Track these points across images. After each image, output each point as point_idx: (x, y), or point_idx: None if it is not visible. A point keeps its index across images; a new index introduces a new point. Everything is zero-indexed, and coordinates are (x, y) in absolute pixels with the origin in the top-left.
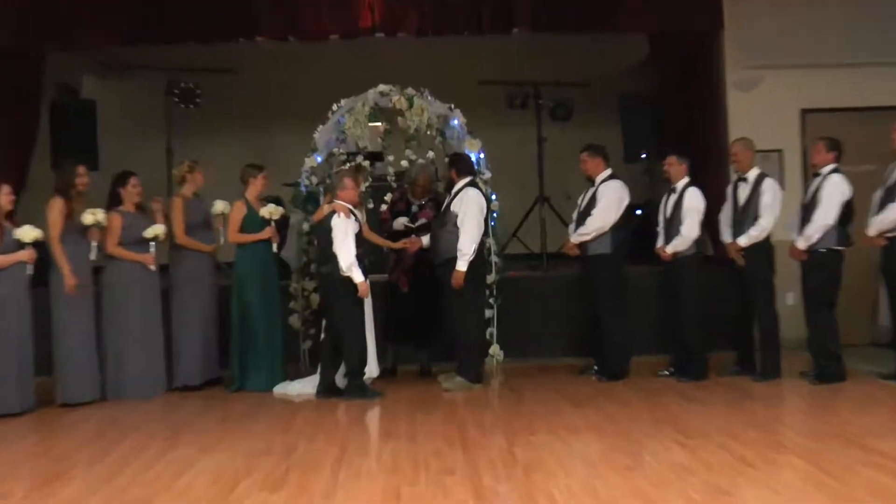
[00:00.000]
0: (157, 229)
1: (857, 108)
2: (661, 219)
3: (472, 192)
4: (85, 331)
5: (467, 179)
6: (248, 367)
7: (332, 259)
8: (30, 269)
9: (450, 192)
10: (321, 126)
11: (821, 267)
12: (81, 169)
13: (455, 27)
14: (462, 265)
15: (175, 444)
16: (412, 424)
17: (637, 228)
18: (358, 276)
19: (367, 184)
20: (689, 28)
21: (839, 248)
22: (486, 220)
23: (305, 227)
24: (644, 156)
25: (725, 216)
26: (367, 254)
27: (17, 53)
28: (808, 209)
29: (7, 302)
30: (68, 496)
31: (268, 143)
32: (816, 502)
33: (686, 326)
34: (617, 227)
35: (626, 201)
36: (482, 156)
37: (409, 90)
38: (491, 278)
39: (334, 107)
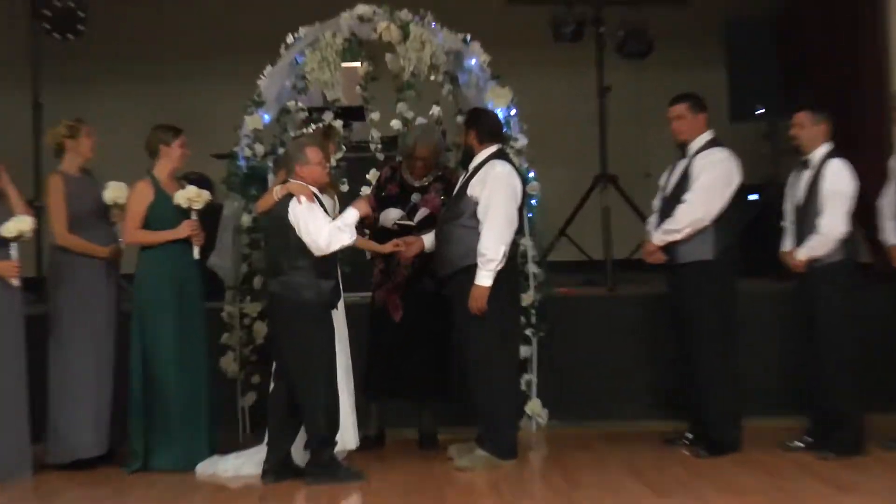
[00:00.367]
0: (22, 224)
1: None
2: (788, 208)
3: (501, 168)
4: None
5: (492, 149)
6: (156, 435)
7: (288, 269)
8: None
9: (466, 168)
10: (269, 68)
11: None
12: None
13: None
14: (485, 278)
15: None
16: None
17: (752, 222)
18: (342, 239)
19: (339, 155)
20: None
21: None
22: (520, 211)
23: (246, 220)
24: (761, 112)
25: (889, 204)
26: (340, 263)
27: None
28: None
29: None
30: None
31: (188, 95)
32: None
33: (830, 373)
34: (723, 221)
35: (736, 181)
36: (514, 113)
37: (404, 13)
38: (529, 298)
39: (289, 38)
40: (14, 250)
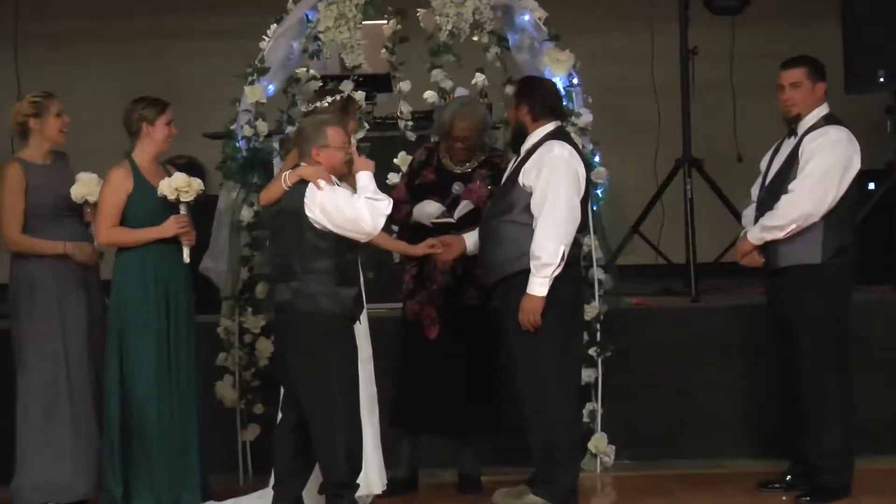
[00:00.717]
0: None
1: None
2: None
3: (559, 151)
4: None
5: (549, 127)
6: (137, 475)
7: (301, 274)
8: None
9: (516, 151)
10: (274, 27)
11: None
12: None
13: None
14: (539, 286)
15: None
16: None
17: (874, 217)
18: (381, 210)
19: (361, 134)
20: None
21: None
22: (583, 204)
23: (247, 214)
24: (883, 80)
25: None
26: (363, 267)
27: None
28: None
29: None
30: None
31: (175, 59)
32: None
33: None
34: (836, 217)
35: (854, 169)
36: (576, 82)
37: None
38: (593, 310)
39: None
40: None
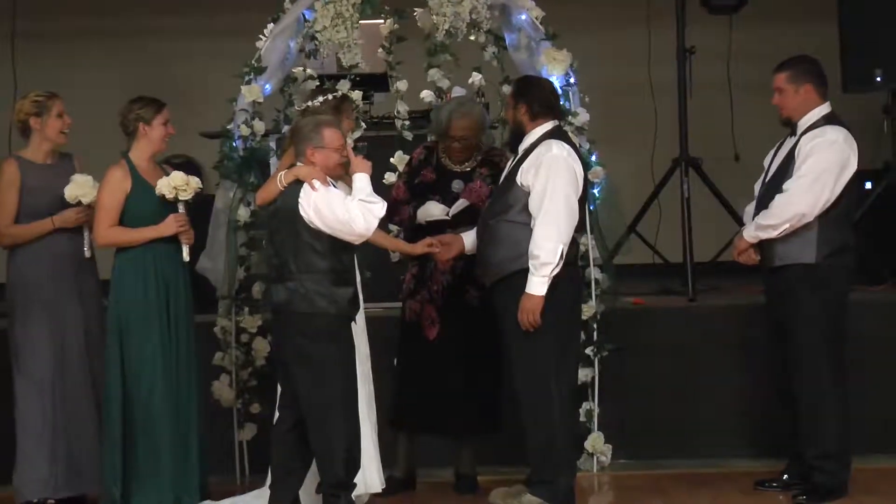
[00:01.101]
0: None
1: None
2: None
3: (557, 150)
4: None
5: (547, 126)
6: (135, 476)
7: (297, 274)
8: None
9: (514, 150)
10: (270, 27)
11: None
12: None
13: None
14: (538, 285)
15: None
16: None
17: (871, 216)
18: (374, 212)
19: (358, 134)
20: None
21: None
22: (581, 203)
23: (243, 214)
24: (880, 79)
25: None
26: (360, 267)
27: None
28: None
29: None
30: None
31: (171, 58)
32: None
33: None
34: (832, 217)
35: (850, 169)
36: (573, 81)
37: None
38: (590, 310)
39: None
40: None
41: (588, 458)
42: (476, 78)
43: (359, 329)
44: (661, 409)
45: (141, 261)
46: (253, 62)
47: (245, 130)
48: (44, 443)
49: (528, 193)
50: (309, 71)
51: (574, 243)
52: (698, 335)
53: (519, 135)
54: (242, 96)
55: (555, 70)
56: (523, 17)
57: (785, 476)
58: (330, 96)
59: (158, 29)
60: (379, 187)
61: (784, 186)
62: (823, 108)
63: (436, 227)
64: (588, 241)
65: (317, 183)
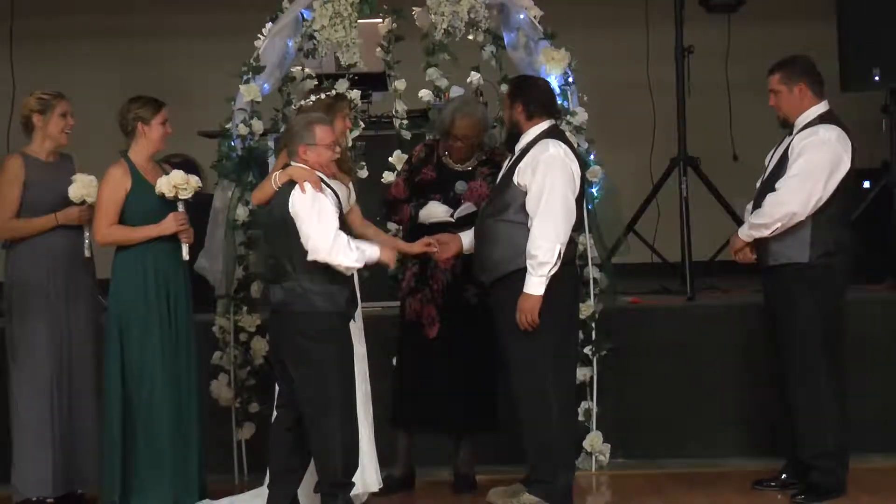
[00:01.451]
0: None
1: None
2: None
3: (554, 149)
4: None
5: (543, 125)
6: (135, 475)
7: (293, 273)
8: None
9: (511, 150)
10: (269, 26)
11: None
12: None
13: None
14: (536, 285)
15: None
16: None
17: (870, 216)
18: (348, 257)
19: (356, 133)
20: None
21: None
22: (579, 202)
23: (242, 213)
24: (878, 79)
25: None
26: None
27: None
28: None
29: None
30: None
31: (170, 58)
32: None
33: None
34: (825, 216)
35: (843, 169)
36: (572, 81)
37: None
38: (588, 309)
39: None
40: None
41: (586, 457)
42: (474, 77)
43: (356, 328)
44: (659, 409)
45: (141, 260)
46: (251, 61)
47: (243, 130)
48: (43, 441)
49: (525, 193)
50: (307, 70)
51: (572, 242)
52: (697, 334)
53: (515, 134)
54: (241, 95)
55: (553, 69)
56: (522, 16)
57: (783, 475)
58: (323, 95)
59: (157, 28)
60: (378, 186)
61: (776, 185)
62: (819, 108)
63: (438, 227)
64: (587, 240)
65: (307, 186)
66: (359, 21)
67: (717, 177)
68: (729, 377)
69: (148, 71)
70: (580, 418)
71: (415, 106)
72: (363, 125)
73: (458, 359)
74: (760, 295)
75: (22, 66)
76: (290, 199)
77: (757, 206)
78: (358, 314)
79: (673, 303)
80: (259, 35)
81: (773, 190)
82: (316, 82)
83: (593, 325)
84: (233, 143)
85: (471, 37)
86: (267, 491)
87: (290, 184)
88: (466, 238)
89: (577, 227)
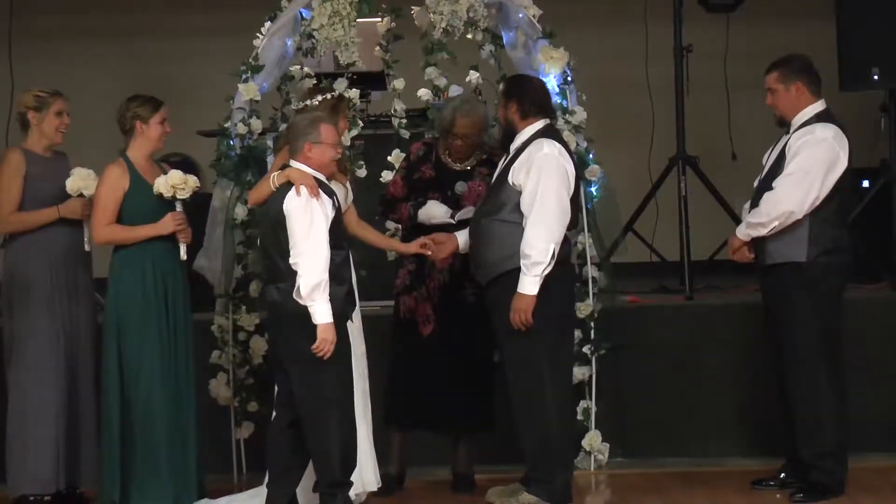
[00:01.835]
0: None
1: None
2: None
3: (548, 149)
4: None
5: (538, 125)
6: (133, 474)
7: (289, 273)
8: None
9: (506, 149)
10: (268, 25)
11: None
12: None
13: None
14: (530, 285)
15: None
16: None
17: (869, 215)
18: (323, 312)
19: (355, 132)
20: None
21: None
22: (574, 202)
23: (240, 212)
24: (877, 78)
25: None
26: (356, 265)
27: None
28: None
29: None
30: None
31: (168, 57)
32: None
33: None
34: (822, 215)
35: (839, 167)
36: (571, 79)
37: None
38: (587, 308)
39: None
40: None
41: (585, 456)
42: (473, 76)
43: (354, 328)
44: (658, 408)
45: (139, 259)
46: (250, 60)
47: (242, 129)
48: (43, 437)
49: (520, 193)
50: (306, 69)
51: (566, 242)
52: (696, 333)
53: (510, 134)
54: (240, 94)
55: (552, 68)
56: (520, 15)
57: (782, 475)
58: (329, 95)
59: (156, 27)
60: (376, 185)
61: (773, 184)
62: (817, 106)
63: (438, 228)
64: (585, 239)
65: (303, 189)
66: (357, 20)
67: (716, 176)
68: (728, 376)
69: (147, 70)
70: (579, 417)
71: (413, 105)
72: (362, 124)
73: (453, 357)
74: (759, 294)
75: (21, 65)
76: (285, 201)
77: (755, 205)
78: (357, 314)
79: (672, 302)
80: (258, 34)
81: (771, 189)
82: (315, 81)
83: (592, 324)
84: (231, 142)
85: (469, 36)
86: (266, 490)
87: (288, 184)
88: (462, 237)
89: (572, 227)
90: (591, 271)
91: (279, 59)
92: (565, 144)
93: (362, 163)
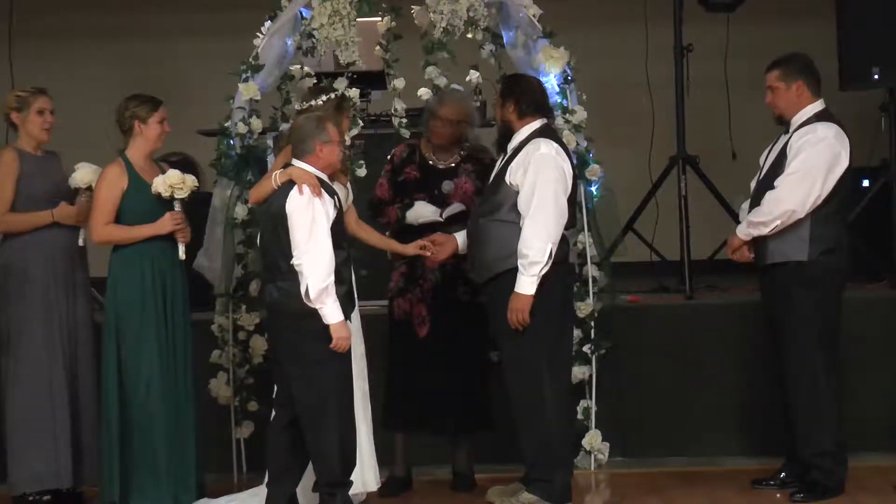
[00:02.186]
0: None
1: None
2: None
3: (545, 148)
4: None
5: (535, 124)
6: (132, 474)
7: (288, 273)
8: None
9: (503, 149)
10: (268, 24)
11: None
12: None
13: None
14: (527, 284)
15: None
16: None
17: (869, 214)
18: (333, 313)
19: (355, 132)
20: None
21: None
22: (572, 201)
23: (241, 211)
24: (877, 77)
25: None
26: (356, 265)
27: None
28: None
29: None
30: None
31: (168, 56)
32: None
33: None
34: (823, 215)
35: (841, 166)
36: (571, 79)
37: None
38: (587, 308)
39: None
40: None
41: (585, 455)
42: (473, 76)
43: (354, 328)
44: (658, 407)
45: (137, 259)
46: (250, 60)
47: (242, 128)
48: (41, 434)
49: (518, 192)
50: (306, 69)
51: (564, 242)
52: (696, 333)
53: (507, 133)
54: (240, 94)
55: (552, 68)
56: (521, 14)
57: (782, 474)
58: (332, 95)
59: (156, 27)
60: (376, 185)
61: (774, 183)
62: (816, 105)
63: (426, 227)
64: (585, 238)
65: (305, 188)
66: (358, 19)
67: (716, 175)
68: (728, 376)
69: (147, 69)
70: (579, 417)
71: (414, 104)
72: (362, 124)
73: (450, 358)
74: (759, 294)
75: (21, 65)
76: (287, 200)
77: (755, 204)
78: (356, 314)
79: (672, 301)
80: (258, 34)
81: (772, 188)
82: (315, 81)
83: (592, 323)
84: (231, 142)
85: (470, 35)
86: (266, 490)
87: (290, 184)
88: (461, 238)
89: (570, 227)
90: (591, 271)
91: (279, 58)
92: (563, 144)
93: (362, 162)
